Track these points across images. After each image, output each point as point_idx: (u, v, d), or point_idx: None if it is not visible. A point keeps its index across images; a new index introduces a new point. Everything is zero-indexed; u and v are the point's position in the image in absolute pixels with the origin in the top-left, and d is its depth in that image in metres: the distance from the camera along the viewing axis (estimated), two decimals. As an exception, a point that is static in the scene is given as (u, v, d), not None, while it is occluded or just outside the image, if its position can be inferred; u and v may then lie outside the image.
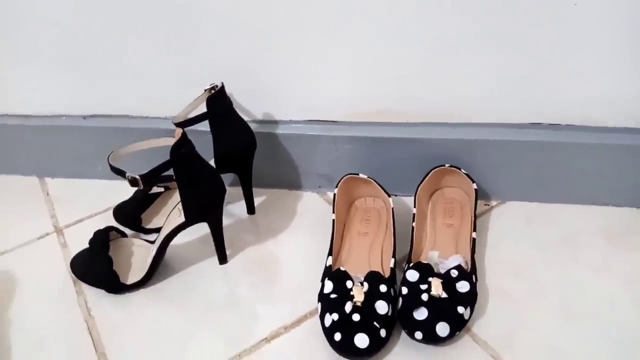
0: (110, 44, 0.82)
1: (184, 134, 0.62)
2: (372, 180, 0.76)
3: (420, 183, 0.76)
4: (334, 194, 0.76)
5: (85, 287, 0.74)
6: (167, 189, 0.87)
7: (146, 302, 0.72)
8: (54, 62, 0.85)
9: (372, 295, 0.61)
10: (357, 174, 0.76)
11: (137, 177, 0.61)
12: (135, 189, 0.84)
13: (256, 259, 0.77)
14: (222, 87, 0.72)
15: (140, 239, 0.79)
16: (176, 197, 0.85)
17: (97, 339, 0.68)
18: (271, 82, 0.80)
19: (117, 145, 0.89)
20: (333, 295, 0.62)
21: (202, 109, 0.74)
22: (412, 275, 0.62)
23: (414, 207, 0.74)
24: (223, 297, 0.72)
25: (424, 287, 0.61)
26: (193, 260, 0.77)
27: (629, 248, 0.72)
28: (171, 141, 0.64)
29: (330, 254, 0.69)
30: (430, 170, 0.77)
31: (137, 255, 0.75)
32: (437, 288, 0.60)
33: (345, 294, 0.61)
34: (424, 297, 0.60)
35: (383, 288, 0.61)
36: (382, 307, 0.60)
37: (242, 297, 0.71)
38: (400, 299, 0.62)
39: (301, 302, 0.69)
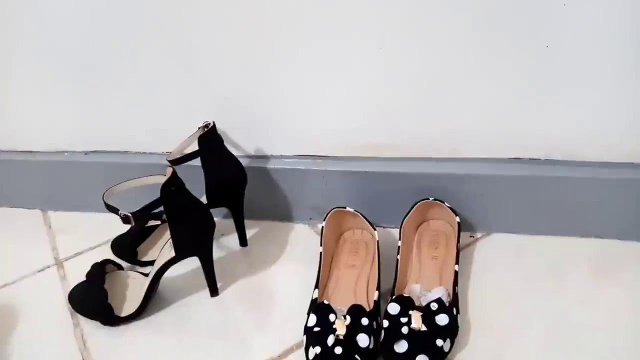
0: (110, 83, 0.86)
1: (174, 173, 0.65)
2: (358, 214, 0.78)
3: (406, 216, 0.78)
4: (322, 227, 0.78)
5: (82, 319, 0.77)
6: (163, 222, 0.90)
7: (140, 333, 0.74)
8: (57, 100, 0.90)
9: (354, 329, 0.63)
10: (344, 207, 0.79)
11: (129, 214, 0.64)
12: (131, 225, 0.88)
13: (248, 290, 0.79)
14: (214, 125, 0.75)
15: (136, 271, 0.81)
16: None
17: (91, 370, 0.70)
18: (263, 117, 0.84)
19: (116, 180, 0.93)
20: (316, 329, 0.64)
21: (196, 145, 0.78)
22: (393, 309, 0.64)
23: (399, 239, 0.76)
24: (215, 327, 0.74)
25: (404, 320, 0.63)
26: (186, 292, 0.79)
27: (614, 280, 0.73)
28: (162, 179, 0.68)
29: (316, 286, 0.71)
30: (416, 203, 0.79)
31: (132, 287, 0.78)
32: (417, 321, 0.62)
33: (328, 327, 0.63)
34: (404, 330, 0.62)
35: (365, 321, 0.63)
36: (363, 340, 0.62)
37: (233, 328, 0.73)
38: (382, 332, 0.64)
39: (289, 333, 0.71)
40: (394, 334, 0.62)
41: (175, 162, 0.76)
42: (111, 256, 0.86)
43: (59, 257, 0.90)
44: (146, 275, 0.79)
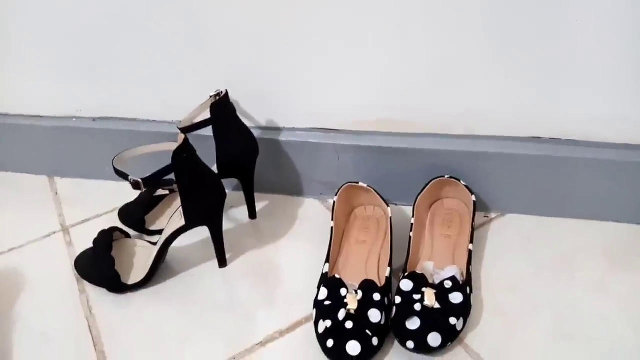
0: (121, 48, 0.84)
1: (185, 139, 0.63)
2: (371, 189, 0.76)
3: (420, 193, 0.77)
4: (334, 202, 0.77)
5: (88, 285, 0.76)
6: (172, 191, 0.88)
7: (146, 302, 0.73)
8: (65, 64, 0.88)
9: (365, 304, 0.61)
10: (357, 183, 0.77)
11: (139, 180, 0.62)
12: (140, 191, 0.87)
13: (256, 264, 0.78)
14: (226, 94, 0.73)
15: (144, 240, 0.80)
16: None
17: (97, 337, 0.69)
18: (277, 88, 0.82)
19: (124, 148, 0.91)
20: (327, 302, 0.63)
21: (207, 114, 0.76)
22: (406, 285, 0.63)
23: (412, 216, 0.75)
24: (221, 299, 0.73)
25: (417, 297, 0.62)
26: (194, 263, 0.78)
27: (628, 267, 0.72)
28: (174, 146, 0.66)
29: (327, 261, 0.70)
30: (430, 181, 0.77)
31: (139, 256, 0.77)
32: (430, 298, 0.61)
33: (339, 301, 0.62)
34: (417, 307, 0.61)
35: (377, 297, 0.62)
36: (375, 315, 0.61)
37: (240, 300, 0.73)
38: (394, 308, 0.63)
39: (298, 307, 0.70)
40: (406, 310, 0.61)
41: (186, 130, 0.74)
42: (118, 224, 0.84)
43: (65, 224, 0.89)
44: (154, 244, 0.77)
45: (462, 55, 0.72)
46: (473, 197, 0.75)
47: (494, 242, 0.77)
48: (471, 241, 0.72)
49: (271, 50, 0.78)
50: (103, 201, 0.92)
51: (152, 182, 0.62)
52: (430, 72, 0.75)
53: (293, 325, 0.68)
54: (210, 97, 0.77)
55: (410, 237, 0.73)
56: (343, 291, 0.63)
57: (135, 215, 0.83)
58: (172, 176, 0.67)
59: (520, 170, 0.78)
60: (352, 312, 0.61)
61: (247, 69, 0.81)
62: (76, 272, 0.78)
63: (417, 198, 0.77)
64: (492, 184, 0.80)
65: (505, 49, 0.70)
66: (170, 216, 0.74)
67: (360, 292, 0.63)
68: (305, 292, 0.71)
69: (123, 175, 0.65)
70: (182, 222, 0.69)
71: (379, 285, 0.64)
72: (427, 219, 0.78)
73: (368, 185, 0.77)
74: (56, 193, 0.96)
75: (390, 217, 0.74)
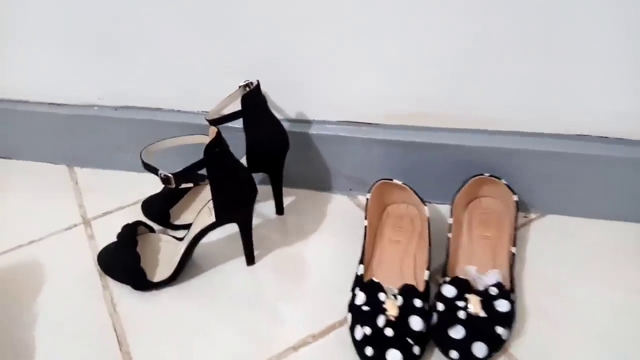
0: (145, 35, 0.80)
1: (218, 133, 0.60)
2: (407, 187, 0.73)
3: (458, 191, 0.73)
4: (367, 200, 0.74)
5: (111, 281, 0.74)
6: (196, 184, 0.85)
7: (172, 300, 0.71)
8: (87, 52, 0.85)
9: (406, 310, 0.58)
10: (391, 180, 0.74)
11: (170, 175, 0.59)
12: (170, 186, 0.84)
13: (284, 261, 0.75)
14: (258, 85, 0.70)
15: (168, 235, 0.77)
16: (205, 193, 0.84)
17: (121, 335, 0.67)
18: (305, 79, 0.78)
19: (147, 138, 0.88)
20: (365, 308, 0.60)
21: (236, 105, 0.73)
22: (449, 291, 0.60)
23: (450, 216, 0.72)
24: (250, 299, 0.70)
25: (461, 304, 0.59)
26: (221, 260, 0.76)
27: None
28: (205, 139, 0.63)
29: (361, 262, 0.67)
30: (469, 179, 0.74)
31: (165, 252, 0.74)
32: (475, 306, 0.58)
33: (378, 307, 0.59)
34: (461, 314, 0.58)
35: (418, 303, 0.59)
36: (416, 323, 0.58)
37: (269, 300, 0.70)
38: (435, 315, 0.60)
39: (329, 310, 0.67)
40: (450, 318, 0.58)
41: (215, 122, 0.71)
42: (141, 217, 0.82)
43: (86, 216, 0.86)
44: (179, 239, 0.75)
45: (503, 43, 0.67)
46: (515, 197, 0.72)
47: (534, 244, 0.74)
48: (513, 244, 0.68)
49: (300, 39, 0.74)
50: (125, 193, 0.89)
51: (183, 178, 0.59)
52: (468, 62, 0.70)
53: (326, 329, 0.65)
54: (240, 87, 0.74)
55: (448, 238, 0.69)
56: (382, 296, 0.60)
57: (160, 209, 0.80)
58: (202, 171, 0.64)
59: (562, 169, 0.74)
60: (392, 318, 0.58)
61: (276, 59, 0.77)
62: (99, 267, 0.75)
63: (454, 197, 0.73)
64: (532, 182, 0.76)
65: (552, 36, 0.66)
66: (198, 211, 0.71)
67: (400, 298, 0.59)
68: (337, 293, 0.68)
69: (152, 170, 0.62)
70: (212, 219, 0.66)
71: (420, 290, 0.61)
72: (464, 219, 0.75)
73: (403, 183, 0.73)
74: (76, 183, 0.94)
75: (428, 217, 0.70)
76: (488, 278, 0.63)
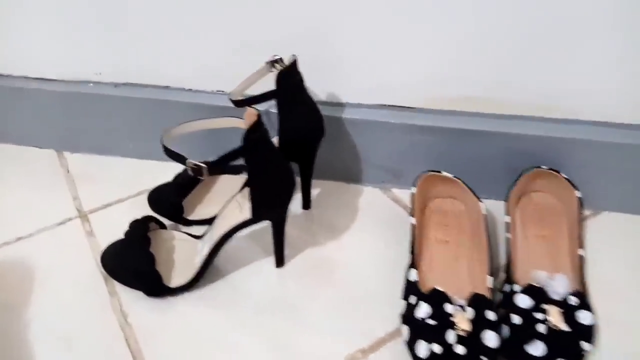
0: (153, 5, 0.70)
1: (259, 117, 0.51)
2: (458, 181, 0.65)
3: (513, 186, 0.66)
4: (412, 194, 0.66)
5: (118, 286, 0.64)
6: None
7: (191, 308, 0.61)
8: (84, 18, 0.73)
9: (478, 324, 0.51)
10: (440, 172, 0.66)
11: (203, 165, 0.49)
12: (175, 172, 0.74)
13: (316, 263, 0.66)
14: (295, 61, 0.60)
15: (182, 231, 0.68)
16: (222, 184, 0.74)
17: (136, 350, 0.57)
18: (340, 56, 0.69)
19: (152, 120, 0.78)
20: (430, 321, 0.52)
21: (261, 85, 0.63)
22: (524, 301, 0.53)
23: (507, 214, 0.64)
24: (282, 307, 0.61)
25: (539, 316, 0.51)
26: (243, 261, 0.66)
27: None
28: (238, 123, 0.54)
29: (413, 266, 0.59)
30: (523, 172, 0.66)
31: (180, 252, 0.64)
32: (556, 318, 0.51)
33: (445, 320, 0.51)
34: (541, 328, 0.51)
35: (491, 315, 0.52)
36: (490, 338, 0.50)
37: (304, 309, 0.61)
38: (508, 328, 0.52)
39: (376, 320, 0.59)
40: (528, 332, 0.50)
41: (239, 103, 0.62)
42: (145, 211, 0.72)
43: (82, 209, 0.75)
44: (197, 237, 0.65)
45: (567, 17, 0.60)
46: (577, 193, 0.65)
47: (591, 243, 0.67)
48: (580, 245, 0.61)
49: (335, 11, 0.65)
50: (125, 182, 0.79)
51: (218, 168, 0.50)
52: (524, 42, 0.63)
53: (376, 343, 0.57)
54: (267, 64, 0.64)
55: (508, 239, 0.62)
56: (448, 307, 0.52)
57: (171, 201, 0.70)
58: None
59: (623, 162, 0.68)
60: (464, 334, 0.50)
61: (306, 34, 0.68)
62: (103, 270, 0.65)
63: (509, 192, 0.66)
64: (588, 176, 0.69)
65: (623, 14, 0.58)
66: (223, 205, 0.61)
67: (470, 310, 0.52)
68: (380, 300, 0.61)
69: (176, 157, 0.52)
70: (244, 215, 0.56)
71: (491, 300, 0.53)
72: (517, 216, 0.68)
73: (454, 176, 0.65)
74: (67, 170, 0.82)
75: (485, 215, 0.63)
76: (556, 283, 0.56)
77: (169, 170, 0.78)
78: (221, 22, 0.69)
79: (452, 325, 0.51)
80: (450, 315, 0.51)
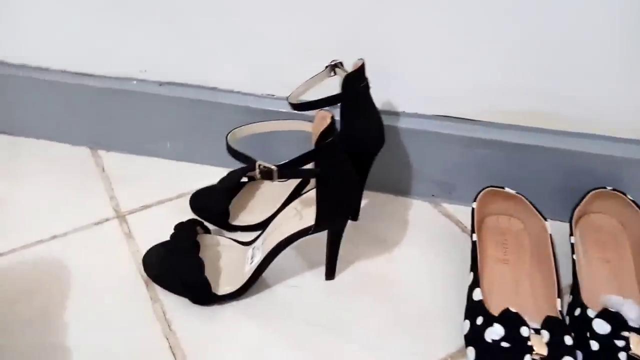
0: (204, 2, 0.68)
1: (333, 119, 0.48)
2: (521, 198, 0.63)
3: (577, 206, 0.63)
4: (472, 209, 0.63)
5: (160, 291, 0.60)
6: (251, 179, 0.73)
7: (238, 318, 0.58)
8: (131, 12, 0.71)
9: (556, 349, 0.48)
10: (503, 188, 0.63)
11: (273, 168, 0.47)
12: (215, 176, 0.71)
13: (369, 277, 0.63)
14: (363, 65, 0.58)
15: (225, 237, 0.65)
16: (266, 190, 0.71)
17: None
18: (399, 64, 0.67)
19: (196, 122, 0.75)
20: (504, 344, 0.49)
21: (320, 90, 0.61)
22: (601, 327, 0.50)
23: (571, 234, 0.62)
24: (333, 321, 0.58)
25: (619, 343, 0.48)
26: (289, 272, 0.63)
27: None
28: (304, 126, 0.51)
29: (477, 285, 0.56)
30: (588, 193, 0.64)
31: (228, 259, 0.61)
32: (638, 347, 0.48)
33: (521, 344, 0.48)
34: (622, 356, 0.48)
35: (568, 340, 0.49)
36: (569, 365, 0.47)
37: (356, 324, 0.58)
38: (581, 355, 0.49)
39: (433, 340, 0.56)
40: (608, 360, 0.48)
41: (298, 107, 0.59)
42: (185, 215, 0.69)
43: (120, 210, 0.72)
44: (244, 244, 0.62)
45: None
46: (645, 216, 0.62)
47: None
48: (650, 271, 0.59)
49: (396, 18, 0.63)
50: (163, 184, 0.76)
51: (289, 172, 0.47)
52: (596, 56, 0.60)
53: (438, 364, 0.54)
54: (327, 68, 0.62)
55: (573, 260, 0.59)
56: (524, 331, 0.49)
57: (218, 206, 0.67)
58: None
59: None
60: (540, 359, 0.47)
61: (365, 41, 0.66)
62: (144, 274, 0.62)
63: (573, 211, 0.63)
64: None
65: None
66: (274, 211, 0.59)
67: (545, 333, 0.49)
68: (437, 319, 0.58)
69: (244, 158, 0.49)
70: (305, 223, 0.53)
71: (566, 323, 0.51)
72: (577, 237, 0.65)
73: (517, 192, 0.63)
74: (103, 170, 0.79)
75: (551, 234, 0.60)
76: (628, 309, 0.54)
77: (209, 174, 0.76)
78: (283, 26, 0.67)
79: (529, 350, 0.48)
80: (527, 338, 0.48)
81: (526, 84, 0.65)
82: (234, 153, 0.50)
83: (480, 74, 0.65)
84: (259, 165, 0.47)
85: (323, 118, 0.48)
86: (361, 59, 0.59)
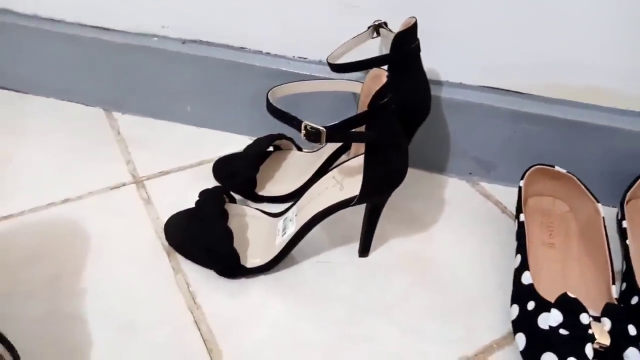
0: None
1: (389, 80, 0.43)
2: (573, 178, 0.59)
3: (629, 189, 0.60)
4: (519, 188, 0.59)
5: (182, 261, 0.56)
6: (277, 148, 0.68)
7: (267, 294, 0.54)
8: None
9: (619, 339, 0.44)
10: (553, 166, 0.59)
11: (322, 129, 0.42)
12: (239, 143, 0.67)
13: (405, 256, 0.59)
14: (415, 24, 0.53)
15: (252, 208, 0.60)
16: (293, 160, 0.67)
17: (207, 335, 0.50)
18: (445, 27, 0.62)
19: (219, 83, 0.70)
20: (563, 331, 0.45)
21: (356, 53, 0.56)
22: (667, 318, 0.46)
23: (622, 218, 0.58)
24: (369, 301, 0.54)
25: (687, 335, 0.45)
26: (319, 247, 0.59)
27: None
28: (353, 86, 0.47)
29: (526, 267, 0.52)
30: (642, 175, 0.60)
31: (256, 230, 0.57)
32: None
33: (581, 332, 0.44)
34: (691, 350, 0.44)
35: (632, 330, 0.45)
36: (634, 356, 0.43)
37: (394, 306, 0.54)
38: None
39: (478, 324, 0.52)
40: (676, 354, 0.44)
41: (339, 67, 0.54)
42: (208, 182, 0.64)
43: (137, 174, 0.68)
44: (274, 215, 0.58)
45: None
46: None
47: None
48: None
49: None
50: (183, 150, 0.71)
51: (340, 134, 0.43)
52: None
53: (482, 351, 0.50)
54: (370, 28, 0.58)
55: (627, 245, 0.55)
56: (584, 318, 0.45)
57: (244, 174, 0.62)
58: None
59: None
60: (602, 349, 0.43)
61: (410, 1, 0.61)
62: (166, 243, 0.58)
63: (625, 194, 0.59)
64: None
65: None
66: (314, 182, 0.54)
67: (607, 321, 0.45)
68: (480, 303, 0.54)
69: (287, 118, 0.44)
70: (348, 194, 0.49)
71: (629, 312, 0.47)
72: (628, 222, 0.61)
73: (568, 172, 0.59)
74: (118, 132, 0.75)
75: (603, 217, 0.56)
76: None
77: (232, 141, 0.71)
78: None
79: (590, 338, 0.44)
80: (587, 326, 0.45)
81: (596, 59, 0.59)
82: (277, 112, 0.45)
83: (541, 45, 0.60)
84: (306, 126, 0.43)
85: (377, 76, 0.44)
86: (413, 17, 0.54)
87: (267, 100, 0.46)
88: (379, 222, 0.59)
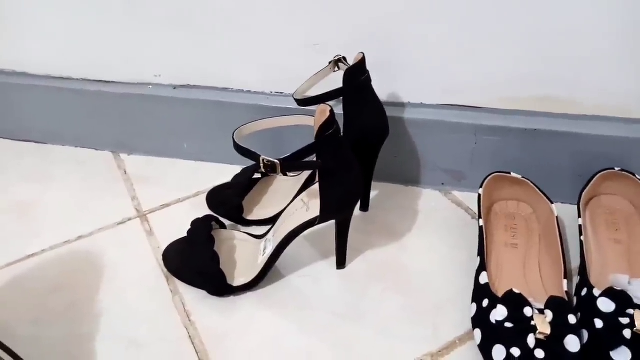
0: (213, 5, 0.70)
1: (332, 112, 0.50)
2: (528, 182, 0.63)
3: (585, 188, 0.64)
4: (479, 195, 0.64)
5: (179, 285, 0.63)
6: (264, 175, 0.75)
7: (255, 308, 0.60)
8: (144, 21, 0.74)
9: (559, 328, 0.49)
10: (509, 173, 0.64)
11: (276, 161, 0.49)
12: (231, 174, 0.74)
13: (379, 265, 0.65)
14: (363, 58, 0.60)
15: (240, 231, 0.67)
16: (279, 185, 0.74)
17: (201, 350, 0.56)
18: (403, 55, 0.68)
19: (210, 122, 0.78)
20: (508, 324, 0.50)
21: (325, 84, 0.63)
22: (606, 305, 0.50)
23: (579, 217, 0.62)
24: (347, 308, 0.60)
25: (624, 321, 0.49)
26: (302, 262, 0.65)
27: None
28: (307, 120, 0.53)
29: (483, 268, 0.57)
30: (596, 174, 0.64)
31: (242, 251, 0.64)
32: (643, 324, 0.48)
33: (525, 324, 0.49)
34: (626, 333, 0.48)
35: (572, 319, 0.49)
36: (573, 343, 0.48)
37: (369, 311, 0.60)
38: (588, 333, 0.50)
39: (444, 323, 0.57)
40: (613, 338, 0.48)
41: (303, 102, 0.61)
42: (203, 211, 0.71)
43: (141, 209, 0.76)
44: (257, 237, 0.65)
45: None
46: (655, 196, 0.62)
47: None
48: (662, 251, 0.59)
49: (399, 12, 0.64)
50: (182, 183, 0.79)
51: (292, 165, 0.49)
52: (602, 40, 0.61)
53: (446, 347, 0.55)
54: (330, 63, 0.64)
55: (581, 241, 0.60)
56: (528, 311, 0.50)
57: (232, 202, 0.70)
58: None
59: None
60: (544, 338, 0.48)
61: (370, 34, 0.67)
62: (164, 269, 0.65)
63: (581, 194, 0.64)
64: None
65: None
66: (286, 205, 0.61)
67: (549, 313, 0.50)
68: (447, 304, 0.59)
69: (249, 154, 0.51)
70: (311, 214, 0.56)
71: (571, 304, 0.51)
72: (587, 219, 0.65)
73: (523, 177, 0.64)
74: (125, 172, 0.83)
75: (558, 217, 0.60)
76: (636, 289, 0.54)
77: (225, 172, 0.78)
78: (286, 24, 0.69)
79: (532, 329, 0.49)
80: (530, 318, 0.49)
81: (541, 70, 0.65)
82: (240, 149, 0.52)
83: (489, 62, 0.66)
84: (263, 160, 0.49)
85: (323, 111, 0.50)
86: (361, 52, 0.60)
87: (233, 139, 0.53)
88: (357, 235, 0.66)
